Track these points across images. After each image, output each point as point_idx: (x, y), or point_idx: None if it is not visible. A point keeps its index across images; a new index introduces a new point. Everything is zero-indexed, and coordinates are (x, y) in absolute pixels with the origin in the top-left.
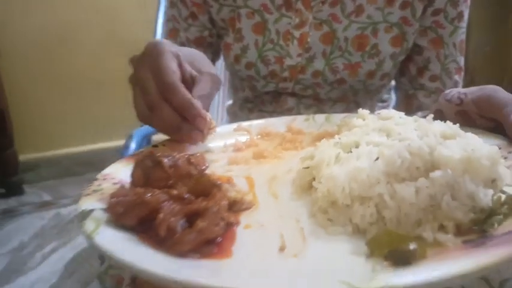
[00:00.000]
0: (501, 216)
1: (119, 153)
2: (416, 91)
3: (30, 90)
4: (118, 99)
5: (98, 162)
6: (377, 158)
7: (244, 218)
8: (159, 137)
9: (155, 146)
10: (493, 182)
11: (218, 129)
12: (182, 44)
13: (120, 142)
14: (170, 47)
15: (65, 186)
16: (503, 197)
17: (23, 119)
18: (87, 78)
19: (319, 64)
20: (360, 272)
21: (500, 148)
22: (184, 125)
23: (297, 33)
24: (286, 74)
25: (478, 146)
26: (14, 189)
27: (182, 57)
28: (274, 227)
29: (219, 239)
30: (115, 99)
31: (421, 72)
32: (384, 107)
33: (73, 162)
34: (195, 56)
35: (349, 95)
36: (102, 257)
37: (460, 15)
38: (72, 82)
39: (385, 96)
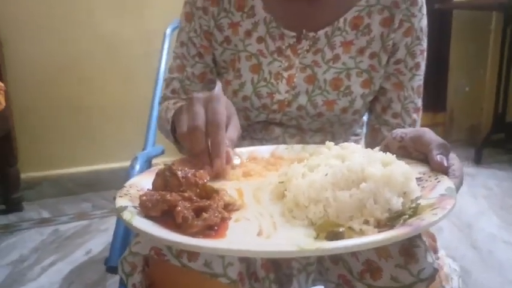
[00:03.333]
0: (407, 216)
1: (124, 172)
2: (381, 126)
3: (35, 113)
4: (116, 124)
5: (95, 183)
6: (326, 174)
7: (235, 215)
8: (158, 160)
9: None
10: (404, 193)
11: None
12: (188, 78)
13: (116, 164)
14: (224, 100)
15: (63, 204)
16: (410, 204)
17: (27, 139)
18: (88, 104)
19: (302, 100)
20: (308, 242)
21: (424, 174)
22: (206, 157)
23: (285, 74)
24: (275, 106)
25: (399, 168)
26: (14, 206)
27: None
28: (255, 221)
29: (216, 227)
30: (113, 124)
31: (384, 110)
32: (356, 140)
33: (71, 182)
34: (233, 110)
35: (326, 126)
36: (107, 260)
37: (417, 65)
38: (74, 107)
39: (358, 130)
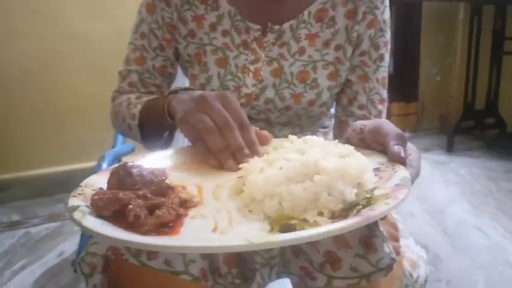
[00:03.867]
0: (360, 207)
1: (92, 171)
2: (348, 118)
3: (4, 112)
4: (89, 124)
5: (68, 183)
6: (281, 168)
7: (192, 211)
8: (128, 157)
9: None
10: (358, 184)
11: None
12: (148, 71)
13: (89, 164)
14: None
15: (34, 206)
16: (364, 194)
17: None
18: (61, 103)
19: (270, 93)
20: (259, 236)
21: (382, 164)
22: (225, 154)
23: (252, 68)
24: (243, 100)
25: (353, 160)
26: None
27: None
28: (212, 217)
29: (171, 224)
30: (86, 124)
31: (351, 102)
32: (325, 132)
33: (44, 183)
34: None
35: (294, 120)
36: (73, 262)
37: (381, 57)
38: (46, 106)
39: (327, 123)
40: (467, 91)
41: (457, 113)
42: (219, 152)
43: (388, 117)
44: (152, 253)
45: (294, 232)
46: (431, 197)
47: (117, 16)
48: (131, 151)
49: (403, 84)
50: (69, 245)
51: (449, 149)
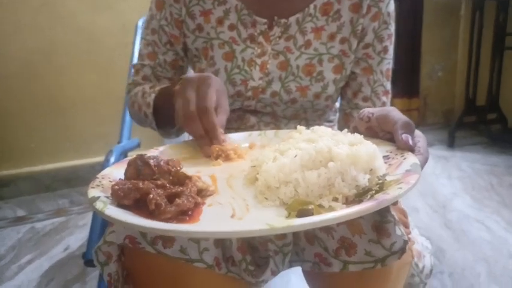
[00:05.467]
0: (373, 192)
1: (99, 165)
2: (352, 110)
3: (9, 108)
4: (94, 119)
5: (72, 178)
6: (295, 156)
7: (208, 200)
8: (134, 152)
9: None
10: (370, 171)
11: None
12: (159, 65)
13: (92, 160)
14: (216, 83)
15: (39, 201)
16: (376, 180)
17: (1, 135)
18: (65, 98)
19: (276, 86)
20: (279, 221)
21: (391, 152)
22: (205, 139)
23: (258, 61)
24: (249, 93)
25: (364, 147)
26: None
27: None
28: (228, 205)
29: (190, 213)
30: (91, 119)
31: (355, 95)
32: (331, 126)
33: (48, 179)
34: (223, 92)
35: (300, 113)
36: (84, 254)
37: (385, 49)
38: (49, 101)
39: (332, 117)
40: (469, 86)
41: (460, 108)
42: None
43: None
44: (168, 241)
45: (313, 216)
46: (434, 191)
47: (121, 10)
48: (137, 146)
49: (406, 80)
50: (75, 239)
51: (452, 144)
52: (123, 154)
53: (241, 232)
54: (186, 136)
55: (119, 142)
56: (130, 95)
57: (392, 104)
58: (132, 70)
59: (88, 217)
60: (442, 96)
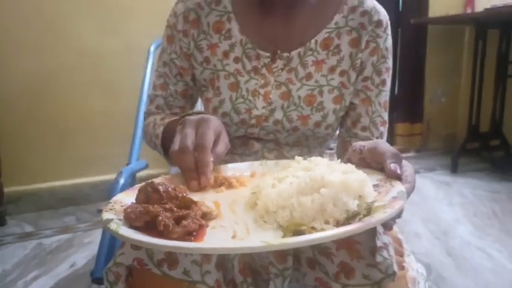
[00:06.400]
0: (361, 216)
1: (108, 185)
2: (351, 138)
3: (18, 126)
4: (97, 139)
5: (77, 196)
6: (291, 182)
7: (211, 223)
8: (141, 173)
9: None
10: (360, 197)
11: None
12: (171, 95)
13: (97, 178)
14: (215, 124)
15: (45, 218)
16: (365, 205)
17: (9, 153)
18: (68, 118)
19: (278, 115)
20: (277, 239)
21: (381, 181)
22: (193, 173)
23: (262, 91)
24: (253, 121)
25: (355, 176)
26: None
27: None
28: (231, 228)
29: (195, 233)
30: (94, 138)
31: (354, 124)
32: (332, 154)
33: (53, 196)
34: (221, 128)
35: (302, 140)
36: (92, 272)
37: (383, 82)
38: (57, 121)
39: (332, 145)
40: (472, 113)
41: (463, 133)
42: (183, 171)
43: (393, 137)
44: (172, 264)
45: (304, 235)
46: (435, 217)
47: (126, 32)
48: (145, 167)
49: (409, 105)
50: (80, 257)
51: (454, 169)
52: (132, 175)
53: (241, 248)
54: None
55: (127, 163)
56: (144, 124)
57: (394, 129)
58: (147, 100)
59: (93, 235)
60: (445, 121)
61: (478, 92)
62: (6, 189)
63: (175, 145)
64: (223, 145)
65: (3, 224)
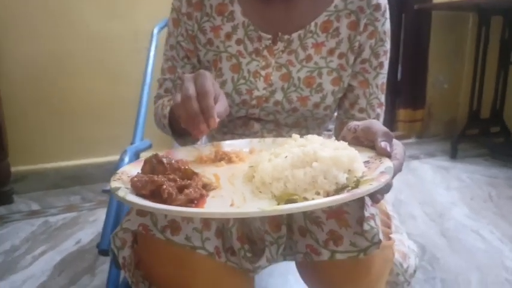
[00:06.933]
0: (350, 188)
1: (109, 164)
2: (348, 120)
3: (25, 108)
4: (102, 121)
5: (82, 176)
6: (286, 157)
7: (211, 193)
8: (145, 153)
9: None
10: (349, 171)
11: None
12: (179, 78)
13: (102, 159)
14: (211, 77)
15: (51, 197)
16: (354, 179)
17: (15, 133)
18: (76, 101)
19: (278, 96)
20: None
21: (371, 157)
22: (200, 116)
23: (263, 73)
24: (254, 102)
25: (345, 151)
26: (4, 199)
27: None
28: (229, 197)
29: (196, 202)
30: (99, 120)
31: (352, 106)
32: (330, 135)
33: (59, 176)
34: (216, 86)
35: (301, 121)
36: (99, 245)
37: (381, 64)
38: (62, 103)
39: (330, 126)
40: (473, 99)
41: (463, 119)
42: (189, 121)
43: (395, 123)
44: (175, 230)
45: (296, 203)
46: (432, 200)
47: (132, 17)
48: (149, 147)
49: (411, 91)
50: (85, 234)
51: (453, 155)
52: (136, 155)
53: (238, 213)
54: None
55: (132, 143)
56: (154, 107)
57: (396, 115)
58: (158, 83)
59: (98, 213)
60: (446, 107)
61: (480, 78)
62: (13, 169)
63: (177, 97)
64: (221, 105)
65: (10, 202)
